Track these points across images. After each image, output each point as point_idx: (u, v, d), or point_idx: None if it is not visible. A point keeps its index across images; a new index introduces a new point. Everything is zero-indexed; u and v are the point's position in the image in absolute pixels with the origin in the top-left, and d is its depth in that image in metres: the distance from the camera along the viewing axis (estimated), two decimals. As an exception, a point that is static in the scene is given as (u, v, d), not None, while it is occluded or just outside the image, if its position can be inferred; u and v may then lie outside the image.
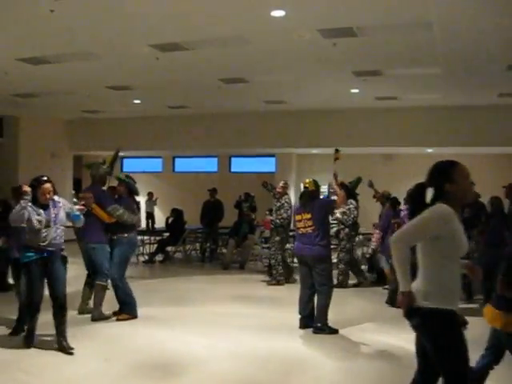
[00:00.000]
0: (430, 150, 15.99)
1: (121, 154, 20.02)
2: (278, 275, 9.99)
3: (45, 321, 6.83)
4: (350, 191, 9.99)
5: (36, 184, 5.59)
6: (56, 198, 5.72)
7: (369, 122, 14.85)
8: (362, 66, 10.42)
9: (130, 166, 20.43)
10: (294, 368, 5.29)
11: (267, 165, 18.28)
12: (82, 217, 6.05)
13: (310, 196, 6.98)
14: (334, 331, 6.59)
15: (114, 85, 12.41)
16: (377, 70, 10.70)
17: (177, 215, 13.64)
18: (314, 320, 6.73)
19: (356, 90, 12.62)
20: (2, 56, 9.87)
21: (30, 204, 5.45)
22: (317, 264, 6.66)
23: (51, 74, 11.25)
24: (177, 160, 20.40)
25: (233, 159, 19.44)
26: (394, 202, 9.40)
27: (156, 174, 20.51)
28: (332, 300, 6.75)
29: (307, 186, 7.01)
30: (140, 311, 7.24)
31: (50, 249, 5.55)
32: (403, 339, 6.25)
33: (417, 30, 8.24)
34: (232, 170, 19.27)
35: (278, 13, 7.49)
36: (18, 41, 8.98)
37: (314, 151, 17.45)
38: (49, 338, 6.11)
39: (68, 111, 16.45)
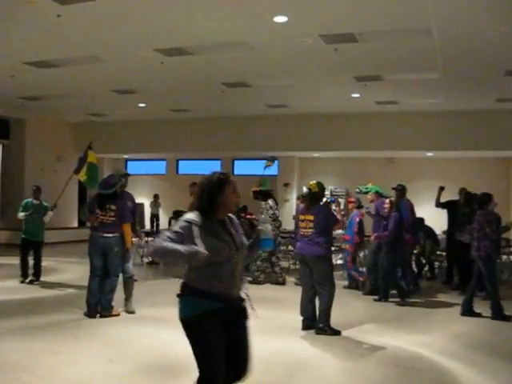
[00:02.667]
0: (429, 154, 16.13)
1: (125, 156, 20.30)
2: (259, 274, 10.28)
3: (54, 320, 7.00)
4: (265, 193, 10.59)
5: None
6: None
7: (369, 126, 15.01)
8: (363, 71, 10.57)
9: (134, 168, 20.57)
10: (296, 370, 5.26)
11: (270, 168, 18.36)
12: None
13: (313, 198, 6.99)
14: (337, 332, 6.61)
15: (119, 88, 12.58)
16: (377, 75, 10.86)
17: (178, 217, 13.76)
18: (316, 321, 6.75)
19: (357, 95, 12.77)
20: (9, 59, 10.07)
21: None
22: (316, 264, 6.71)
23: (57, 78, 11.44)
24: (180, 162, 20.54)
25: (235, 162, 19.57)
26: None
27: (160, 176, 20.66)
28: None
29: (311, 187, 7.03)
30: (144, 312, 7.41)
31: None
32: (405, 340, 6.34)
33: (416, 36, 8.41)
34: (235, 172, 19.39)
35: (280, 19, 7.65)
36: (25, 45, 9.17)
37: (316, 154, 17.60)
38: (56, 338, 6.18)
39: (74, 114, 16.65)
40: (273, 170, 18.15)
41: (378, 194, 9.60)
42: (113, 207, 7.12)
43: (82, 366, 5.19)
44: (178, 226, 3.26)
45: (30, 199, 9.94)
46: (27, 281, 9.61)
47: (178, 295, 3.36)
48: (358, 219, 9.69)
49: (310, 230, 6.76)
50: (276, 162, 18.04)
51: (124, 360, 5.39)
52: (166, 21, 7.88)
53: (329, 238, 6.85)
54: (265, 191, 10.64)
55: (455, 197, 10.52)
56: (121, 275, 7.48)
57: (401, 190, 9.43)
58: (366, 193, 9.90)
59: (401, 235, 8.63)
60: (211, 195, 3.32)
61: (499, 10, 7.16)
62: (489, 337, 6.73)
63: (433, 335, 6.69)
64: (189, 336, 3.34)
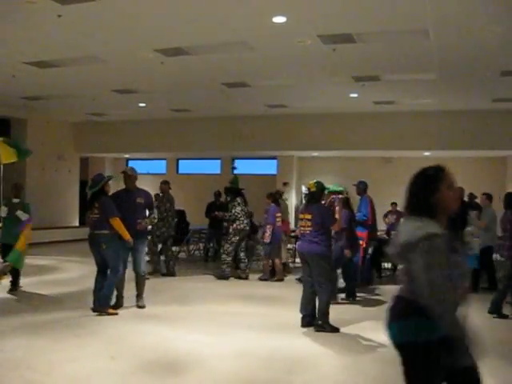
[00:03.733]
0: (427, 153, 16.22)
1: (126, 155, 20.38)
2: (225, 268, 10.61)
3: (55, 318, 7.09)
4: (234, 190, 10.91)
5: None
6: None
7: (367, 125, 15.10)
8: (361, 71, 10.65)
9: (134, 167, 20.66)
10: (296, 367, 5.30)
11: (269, 167, 18.50)
12: None
13: (311, 197, 7.12)
14: (336, 329, 6.69)
15: (120, 88, 12.65)
16: (375, 75, 10.93)
17: (179, 216, 13.85)
18: (315, 319, 6.85)
19: (355, 95, 12.84)
20: (11, 59, 10.12)
21: None
22: (314, 262, 6.81)
23: (58, 78, 11.51)
24: (180, 162, 20.63)
25: (235, 161, 19.66)
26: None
27: (160, 175, 20.74)
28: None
29: (309, 187, 7.16)
30: (146, 310, 7.55)
31: None
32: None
33: (414, 37, 8.47)
34: (235, 171, 19.51)
35: (279, 19, 7.71)
36: (26, 45, 9.21)
37: (315, 154, 17.70)
38: (57, 336, 6.27)
39: (74, 114, 16.71)
40: (272, 169, 18.28)
41: (335, 193, 9.82)
42: (96, 205, 7.31)
43: (84, 363, 5.22)
44: (436, 253, 2.58)
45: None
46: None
47: (401, 314, 2.81)
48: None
49: (309, 229, 6.87)
50: (275, 161, 18.20)
51: (125, 357, 5.44)
52: (165, 21, 7.94)
53: (328, 236, 6.92)
54: (234, 188, 10.99)
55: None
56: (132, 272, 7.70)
57: (361, 187, 9.76)
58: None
59: (353, 233, 8.82)
60: (424, 194, 2.81)
61: (495, 11, 7.22)
62: (486, 335, 6.75)
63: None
64: (414, 362, 2.84)
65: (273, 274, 10.68)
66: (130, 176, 7.92)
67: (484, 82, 11.05)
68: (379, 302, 8.65)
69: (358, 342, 6.32)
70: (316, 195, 7.10)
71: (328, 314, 6.77)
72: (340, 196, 7.93)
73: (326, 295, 6.80)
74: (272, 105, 14.48)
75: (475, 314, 7.60)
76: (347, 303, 8.55)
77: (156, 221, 9.55)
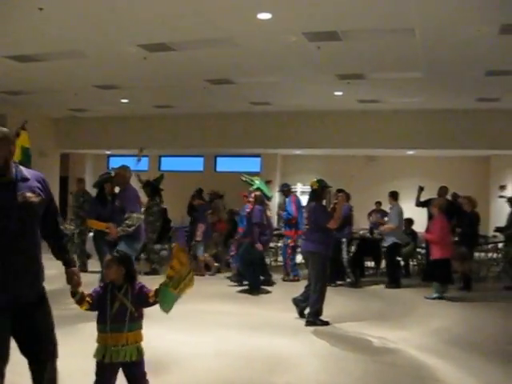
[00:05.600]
0: (411, 152, 16.27)
1: (108, 152, 20.17)
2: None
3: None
4: (154, 188, 11.22)
5: None
6: None
7: (352, 124, 15.07)
8: (346, 69, 10.60)
9: (116, 164, 20.42)
10: (277, 367, 5.29)
11: (252, 165, 18.40)
12: None
13: (313, 195, 7.26)
14: (325, 323, 6.88)
15: (102, 84, 12.49)
16: (360, 73, 10.90)
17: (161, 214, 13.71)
18: (300, 302, 7.17)
19: (340, 93, 12.81)
20: (-10, 53, 9.91)
21: None
22: (309, 258, 7.04)
23: (39, 72, 11.32)
24: (163, 159, 20.45)
25: (218, 159, 19.55)
26: None
27: (142, 172, 20.53)
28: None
29: (311, 185, 7.31)
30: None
31: None
32: (385, 336, 6.43)
33: (399, 36, 8.45)
34: (217, 169, 19.39)
35: (264, 16, 7.64)
36: (6, 38, 9.03)
37: (298, 152, 17.66)
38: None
39: (56, 109, 16.48)
40: (255, 167, 18.19)
41: (260, 191, 9.99)
42: None
43: (63, 363, 5.02)
44: None
45: None
46: None
47: None
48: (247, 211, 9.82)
49: (307, 227, 7.16)
50: (259, 158, 18.13)
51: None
52: (149, 16, 7.83)
53: (324, 234, 6.98)
54: (154, 186, 11.29)
55: (435, 195, 10.63)
56: None
57: (285, 189, 10.79)
58: (250, 185, 10.22)
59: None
60: None
61: (481, 11, 7.23)
62: (468, 333, 6.82)
63: (412, 331, 6.78)
64: None
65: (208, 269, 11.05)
66: (114, 176, 7.68)
67: (469, 81, 11.08)
68: (362, 302, 8.66)
69: (339, 341, 6.32)
70: (318, 193, 7.21)
71: (319, 311, 6.91)
72: (340, 194, 8.00)
73: (317, 293, 6.90)
74: (256, 102, 14.40)
75: (457, 316, 7.64)
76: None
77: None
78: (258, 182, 10.46)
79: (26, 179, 3.34)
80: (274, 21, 7.82)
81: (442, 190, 10.65)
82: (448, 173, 15.35)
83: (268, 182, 12.04)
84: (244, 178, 10.70)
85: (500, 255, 11.50)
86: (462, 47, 8.81)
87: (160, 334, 6.26)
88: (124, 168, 7.45)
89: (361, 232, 11.53)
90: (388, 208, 10.72)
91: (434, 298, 8.81)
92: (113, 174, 7.74)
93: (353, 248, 11.11)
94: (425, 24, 7.83)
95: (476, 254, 11.34)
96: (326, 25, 8.07)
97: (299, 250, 9.37)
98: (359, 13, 7.53)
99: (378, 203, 12.34)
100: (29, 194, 3.27)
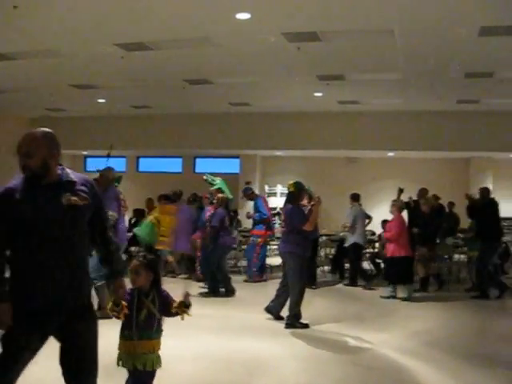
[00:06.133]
0: (391, 154, 16.32)
1: (84, 152, 19.92)
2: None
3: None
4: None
5: None
6: None
7: (332, 125, 15.08)
8: (326, 70, 10.58)
9: (93, 165, 20.19)
10: (257, 369, 5.26)
11: (231, 166, 18.31)
12: None
13: (291, 197, 7.21)
14: (305, 326, 6.84)
15: (78, 83, 12.30)
16: (340, 74, 10.89)
17: (138, 215, 13.59)
18: (274, 308, 7.18)
19: (319, 94, 12.79)
20: (-37, 52, 9.69)
21: None
22: (286, 260, 7.04)
23: (14, 71, 11.08)
24: (141, 160, 20.23)
25: (197, 160, 19.42)
26: None
27: (119, 173, 20.33)
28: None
29: (288, 187, 7.27)
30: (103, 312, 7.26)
31: None
32: (364, 339, 6.40)
33: (379, 37, 8.45)
34: (196, 170, 19.23)
35: (243, 15, 7.57)
36: (-20, 36, 8.85)
37: (278, 153, 17.59)
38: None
39: (31, 109, 16.18)
40: (234, 168, 18.10)
41: (221, 191, 9.97)
42: None
43: (41, 367, 5.01)
44: None
45: None
46: None
47: None
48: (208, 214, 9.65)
49: (283, 229, 7.23)
50: (238, 160, 18.05)
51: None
52: (126, 15, 7.71)
53: (300, 236, 6.96)
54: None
55: (415, 197, 10.65)
56: None
57: (249, 192, 11.12)
58: (212, 184, 10.21)
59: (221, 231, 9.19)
60: None
61: (460, 13, 7.24)
62: (448, 335, 6.83)
63: (392, 333, 6.77)
64: None
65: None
66: (99, 176, 7.54)
67: (448, 83, 11.14)
68: (341, 303, 8.64)
69: (319, 343, 6.29)
70: (294, 195, 7.19)
71: (298, 313, 6.88)
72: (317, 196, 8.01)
73: (296, 295, 6.89)
74: (235, 103, 14.33)
75: (438, 318, 7.65)
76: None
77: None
78: (218, 182, 10.37)
79: (72, 182, 3.19)
80: (253, 21, 7.75)
81: (422, 192, 10.68)
82: (428, 174, 15.41)
83: (247, 183, 11.96)
84: (205, 177, 10.63)
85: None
86: (441, 49, 8.83)
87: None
88: (108, 170, 7.66)
89: (341, 234, 11.50)
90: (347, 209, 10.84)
91: (389, 297, 8.96)
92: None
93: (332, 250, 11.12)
94: (404, 26, 7.83)
95: (456, 256, 11.41)
96: (305, 25, 8.03)
97: (275, 252, 9.36)
98: (339, 14, 7.51)
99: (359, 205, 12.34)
100: (74, 198, 3.12)
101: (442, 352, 5.95)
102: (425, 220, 9.88)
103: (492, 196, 9.87)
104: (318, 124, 15.15)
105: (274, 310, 7.23)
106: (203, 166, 19.03)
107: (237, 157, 18.08)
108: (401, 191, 10.72)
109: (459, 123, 14.04)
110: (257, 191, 17.17)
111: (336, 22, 7.89)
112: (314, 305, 8.36)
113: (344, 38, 8.54)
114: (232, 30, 8.25)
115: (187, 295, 3.75)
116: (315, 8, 7.32)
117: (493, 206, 9.56)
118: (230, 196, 10.20)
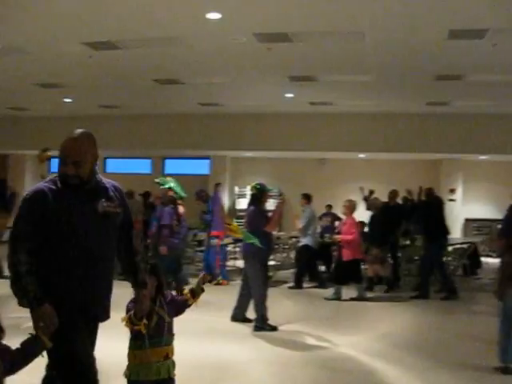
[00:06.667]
0: (362, 156, 16.40)
1: (49, 153, 19.52)
2: None
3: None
4: None
5: None
6: None
7: (303, 126, 15.07)
8: (297, 71, 10.56)
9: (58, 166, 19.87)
10: (225, 374, 5.22)
11: (201, 167, 18.21)
12: None
13: (253, 199, 7.22)
14: (274, 328, 6.83)
15: (43, 82, 12.01)
16: (311, 75, 10.86)
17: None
18: (239, 313, 7.20)
19: (291, 95, 12.76)
20: None
21: None
22: (245, 262, 7.13)
23: (-26, 68, 10.80)
24: (108, 161, 19.91)
25: (167, 161, 19.25)
26: None
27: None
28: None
29: (251, 189, 7.32)
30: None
31: None
32: (333, 341, 6.40)
33: (349, 39, 8.44)
34: (166, 171, 19.04)
35: (213, 15, 7.47)
36: None
37: (248, 154, 17.55)
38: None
39: (-7, 108, 15.81)
40: (204, 169, 17.98)
41: (171, 191, 9.92)
42: None
43: (27, 374, 4.87)
44: None
45: None
46: None
47: None
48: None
49: (245, 230, 7.14)
50: (208, 161, 17.94)
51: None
52: (94, 13, 7.53)
53: (262, 237, 6.88)
54: None
55: (385, 198, 10.70)
56: None
57: (203, 194, 11.03)
58: (162, 185, 10.19)
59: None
60: None
61: (430, 16, 7.26)
62: (416, 337, 6.88)
63: (361, 335, 6.79)
64: None
65: None
66: None
67: (419, 85, 11.22)
68: (311, 306, 8.62)
69: (288, 347, 6.27)
70: (257, 197, 7.20)
71: (263, 314, 6.87)
72: (280, 197, 7.99)
73: (258, 296, 6.92)
74: (205, 103, 14.22)
75: (407, 319, 7.68)
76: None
77: None
78: (169, 180, 10.25)
79: (105, 188, 3.07)
80: (224, 21, 7.67)
81: (392, 194, 10.72)
82: (399, 176, 15.52)
83: (217, 185, 11.82)
84: (157, 180, 10.53)
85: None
86: (411, 52, 8.87)
87: (106, 342, 6.05)
88: None
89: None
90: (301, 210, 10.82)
91: (333, 299, 8.98)
92: None
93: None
94: (374, 28, 7.84)
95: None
96: (276, 26, 7.98)
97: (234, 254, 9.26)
98: (309, 15, 7.47)
99: (329, 206, 12.37)
100: (109, 206, 3.01)
101: (410, 353, 5.98)
102: (372, 220, 9.98)
103: (436, 195, 10.06)
104: (290, 125, 15.14)
105: (239, 316, 7.24)
106: (173, 166, 18.88)
107: (207, 158, 17.98)
108: (362, 190, 10.91)
109: (430, 125, 14.21)
110: (226, 192, 17.19)
111: (307, 24, 7.84)
112: (283, 307, 8.35)
113: (314, 39, 8.50)
114: (202, 29, 8.13)
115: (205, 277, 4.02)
116: (286, 9, 7.27)
117: (438, 205, 9.65)
118: (183, 194, 10.06)
